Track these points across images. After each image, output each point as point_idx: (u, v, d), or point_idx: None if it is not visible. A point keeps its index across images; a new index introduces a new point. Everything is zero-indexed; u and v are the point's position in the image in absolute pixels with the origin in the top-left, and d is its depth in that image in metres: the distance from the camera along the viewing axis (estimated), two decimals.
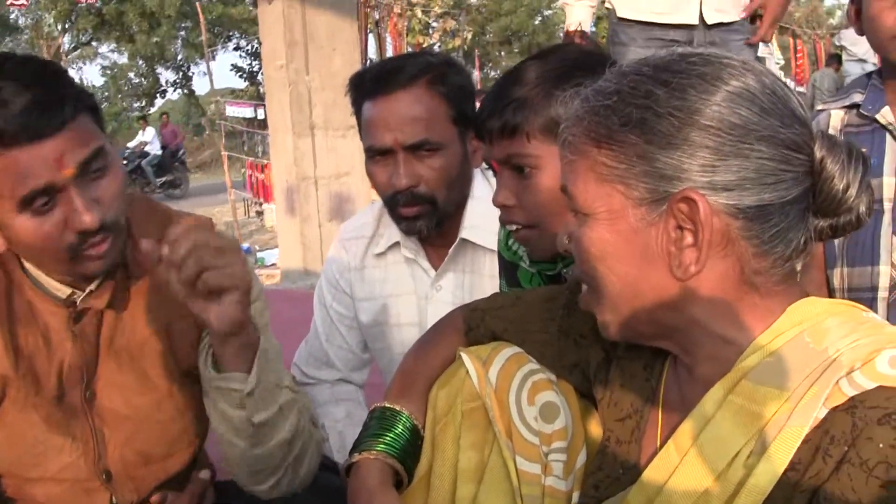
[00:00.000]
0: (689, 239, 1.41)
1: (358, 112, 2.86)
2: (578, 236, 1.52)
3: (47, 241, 1.96)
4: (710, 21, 4.88)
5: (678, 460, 1.48)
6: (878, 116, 2.54)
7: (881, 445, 1.26)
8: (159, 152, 27.19)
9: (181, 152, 28.31)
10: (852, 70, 15.22)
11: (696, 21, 4.88)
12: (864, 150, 2.37)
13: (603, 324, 1.58)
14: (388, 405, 1.97)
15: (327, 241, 10.38)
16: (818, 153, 1.44)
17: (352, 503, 1.88)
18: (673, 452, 1.50)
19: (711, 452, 1.42)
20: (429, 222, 2.81)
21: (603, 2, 5.11)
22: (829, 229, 1.49)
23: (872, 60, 14.27)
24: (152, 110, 51.38)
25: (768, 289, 1.46)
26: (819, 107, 2.76)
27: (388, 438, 1.91)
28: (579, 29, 5.05)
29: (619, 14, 4.93)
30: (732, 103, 1.39)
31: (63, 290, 2.14)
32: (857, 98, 2.61)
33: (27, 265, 2.14)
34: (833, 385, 1.33)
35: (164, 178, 26.56)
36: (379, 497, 1.84)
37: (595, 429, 1.86)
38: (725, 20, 4.91)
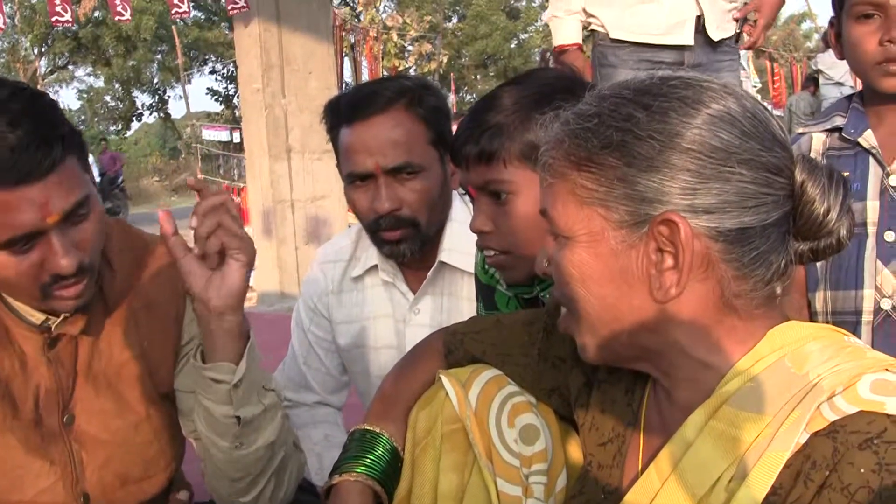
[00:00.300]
0: (669, 261, 1.40)
1: (335, 139, 2.84)
2: (558, 259, 1.51)
3: (21, 279, 1.96)
4: (716, 38, 4.96)
5: (659, 485, 1.47)
6: (860, 140, 2.53)
7: (862, 470, 1.25)
8: (97, 179, 27.08)
9: (120, 179, 27.90)
10: (830, 93, 15.25)
11: (691, 42, 4.94)
12: (846, 173, 2.38)
13: (582, 346, 1.57)
14: (367, 427, 1.97)
15: (304, 263, 10.37)
16: (799, 176, 1.44)
17: None
18: (654, 478, 1.49)
19: (692, 478, 1.42)
20: (412, 245, 2.79)
21: (587, 26, 5.12)
22: (809, 252, 1.50)
23: (850, 83, 14.32)
24: (128, 134, 51.38)
25: (748, 312, 1.45)
26: (800, 130, 2.74)
27: (368, 460, 1.91)
28: (572, 44, 5.06)
29: (612, 35, 4.94)
30: (713, 126, 1.39)
31: (37, 316, 2.13)
32: (839, 121, 2.61)
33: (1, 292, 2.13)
34: (814, 409, 1.33)
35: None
36: None
37: (575, 451, 1.86)
38: (727, 35, 4.99)
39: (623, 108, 1.43)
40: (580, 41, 5.12)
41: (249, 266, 1.97)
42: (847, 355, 1.39)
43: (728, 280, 1.42)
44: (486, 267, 2.40)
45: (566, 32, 5.07)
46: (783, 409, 1.35)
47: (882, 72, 2.47)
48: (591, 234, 1.45)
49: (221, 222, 1.93)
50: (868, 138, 2.52)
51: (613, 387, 1.72)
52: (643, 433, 1.62)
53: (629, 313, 1.46)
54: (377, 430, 1.95)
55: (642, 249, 1.42)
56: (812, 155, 2.56)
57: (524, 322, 1.98)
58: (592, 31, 5.14)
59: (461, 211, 2.93)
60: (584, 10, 5.08)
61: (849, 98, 2.68)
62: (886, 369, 1.36)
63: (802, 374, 1.38)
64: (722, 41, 5.02)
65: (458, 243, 2.88)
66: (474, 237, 2.21)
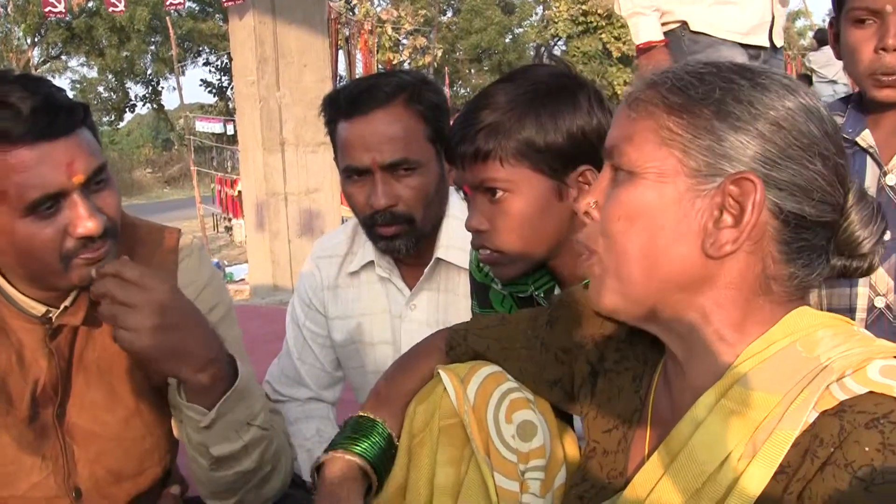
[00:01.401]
0: (728, 220, 1.42)
1: (332, 132, 2.84)
2: (614, 194, 1.51)
3: (45, 246, 1.97)
4: (778, 45, 5.05)
5: (669, 462, 1.48)
6: (858, 139, 2.54)
7: (867, 449, 1.27)
8: None
9: None
10: (823, 91, 15.26)
11: (767, 44, 5.01)
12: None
13: (599, 292, 1.56)
14: (363, 414, 1.98)
15: (297, 256, 10.37)
16: (851, 198, 1.51)
17: (317, 498, 1.90)
18: (664, 456, 1.50)
19: (702, 455, 1.43)
20: (407, 241, 2.79)
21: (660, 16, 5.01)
22: (841, 268, 1.54)
23: (843, 81, 14.35)
24: (121, 125, 51.30)
25: (779, 297, 1.48)
26: None
27: (363, 443, 1.92)
28: (659, 41, 4.92)
29: (694, 28, 4.90)
30: (806, 114, 1.44)
31: (38, 308, 2.13)
32: (838, 120, 2.62)
33: (0, 281, 2.12)
34: (824, 389, 1.35)
35: None
36: (341, 491, 1.87)
37: (572, 449, 1.87)
38: (782, 43, 5.10)
39: (727, 74, 1.47)
40: (664, 38, 5.00)
41: (132, 329, 1.91)
42: (857, 342, 1.42)
43: (772, 260, 1.45)
44: (481, 265, 2.39)
45: (651, 29, 4.94)
46: (793, 389, 1.37)
47: (874, 81, 2.49)
48: (662, 174, 1.46)
49: (105, 292, 1.92)
50: (866, 138, 2.53)
51: (620, 375, 1.74)
52: (650, 419, 1.64)
53: (668, 263, 1.47)
54: (373, 417, 1.96)
55: (707, 202, 1.44)
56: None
57: (529, 318, 1.99)
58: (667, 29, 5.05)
59: (458, 207, 2.92)
60: (659, 9, 5.02)
61: (846, 98, 2.69)
62: (895, 356, 1.39)
63: (813, 357, 1.40)
64: (778, 49, 5.07)
65: (456, 240, 2.88)
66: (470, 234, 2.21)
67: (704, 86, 1.46)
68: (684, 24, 4.92)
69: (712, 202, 1.43)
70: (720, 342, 1.49)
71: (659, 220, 1.46)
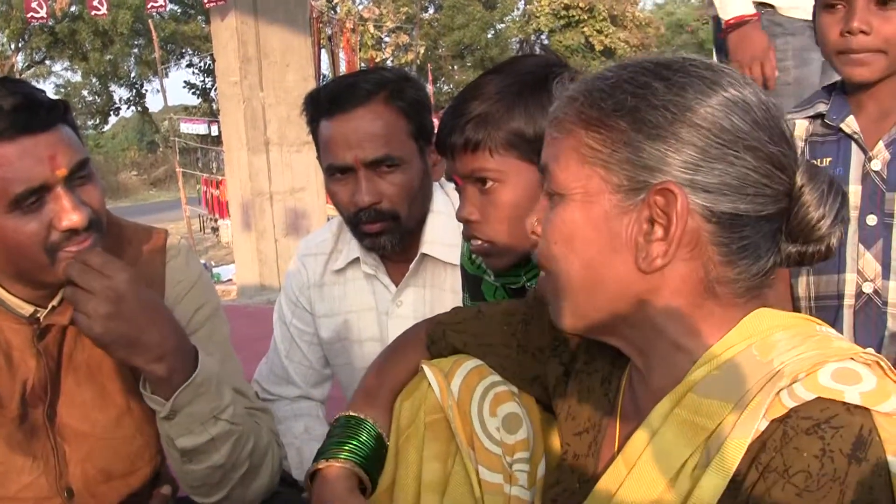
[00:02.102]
0: (659, 233, 1.41)
1: (315, 131, 2.85)
2: (549, 216, 1.51)
3: (29, 241, 1.98)
4: None
5: (626, 473, 1.48)
6: (842, 126, 2.56)
7: (805, 455, 1.27)
8: None
9: None
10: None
11: None
12: (829, 159, 2.42)
13: (557, 312, 1.56)
14: (352, 413, 1.97)
15: (283, 256, 10.38)
16: (800, 179, 1.46)
17: None
18: (622, 466, 1.50)
19: (657, 465, 1.43)
20: (392, 238, 2.80)
21: None
22: (797, 255, 1.50)
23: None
24: (106, 128, 51.15)
25: (729, 300, 1.46)
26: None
27: (353, 445, 1.92)
28: (751, 15, 4.27)
29: (781, 12, 4.67)
30: (727, 109, 1.41)
31: (26, 308, 2.14)
32: (822, 108, 2.64)
33: None
34: (773, 396, 1.34)
35: None
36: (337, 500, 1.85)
37: (555, 441, 1.86)
38: None
39: (642, 77, 1.44)
40: (755, 12, 4.37)
41: (91, 316, 1.96)
42: (813, 344, 1.40)
43: (713, 264, 1.43)
44: (473, 257, 2.40)
45: (735, 5, 4.29)
46: (745, 397, 1.36)
47: (842, 62, 2.53)
48: (587, 194, 1.45)
49: (71, 275, 1.97)
50: (850, 124, 2.55)
51: (590, 376, 1.73)
52: (619, 422, 1.63)
53: (611, 280, 1.46)
54: (361, 416, 1.96)
55: (635, 216, 1.42)
56: (795, 141, 2.58)
57: (504, 312, 1.98)
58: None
59: (443, 203, 2.93)
60: None
61: (831, 86, 2.70)
62: (851, 358, 1.37)
63: (766, 362, 1.39)
64: None
65: (440, 235, 2.89)
66: (457, 229, 2.21)
67: (617, 95, 1.44)
68: (766, 5, 4.54)
69: (640, 216, 1.42)
70: (677, 351, 1.48)
71: (592, 241, 1.46)
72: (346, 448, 1.91)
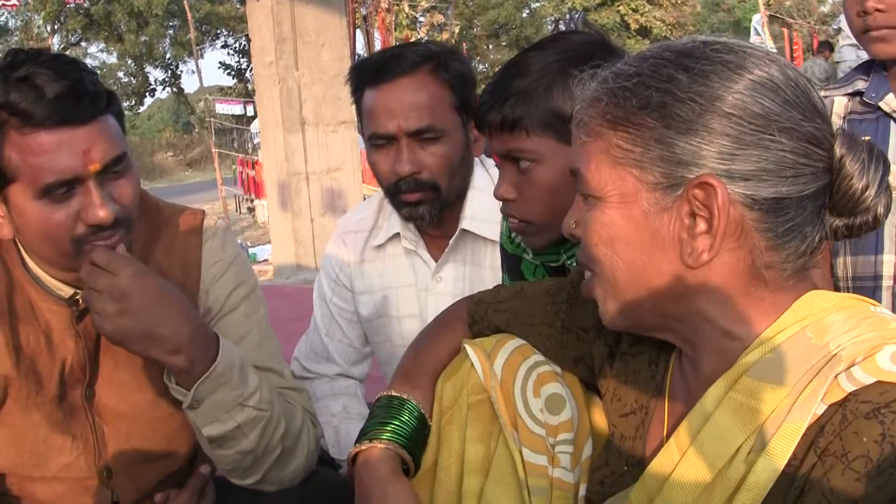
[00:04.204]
0: (702, 226, 1.38)
1: (358, 101, 2.85)
2: (587, 220, 1.49)
3: (56, 230, 1.98)
4: None
5: (679, 456, 1.46)
6: (881, 104, 2.52)
7: (865, 440, 1.24)
8: None
9: None
10: (847, 55, 15.07)
11: None
12: (867, 137, 2.38)
13: (604, 312, 1.54)
14: (394, 393, 1.94)
15: (320, 236, 10.39)
16: (838, 150, 1.42)
17: (361, 494, 1.85)
18: (674, 449, 1.47)
19: (711, 449, 1.40)
20: (431, 208, 2.80)
21: None
22: (844, 229, 1.47)
23: None
24: (142, 109, 51.48)
25: (778, 284, 1.43)
26: (822, 93, 2.74)
27: (395, 426, 1.88)
28: None
29: None
30: (755, 92, 1.37)
31: (65, 290, 2.14)
32: (861, 85, 2.60)
33: (29, 263, 2.14)
34: (832, 380, 1.31)
35: None
36: (392, 487, 1.81)
37: (600, 419, 1.84)
38: None
39: (664, 70, 1.41)
40: None
41: (100, 314, 1.97)
42: (869, 325, 1.37)
43: (760, 250, 1.40)
44: (513, 236, 2.38)
45: None
46: (801, 380, 1.34)
47: (866, 40, 2.50)
48: (624, 195, 1.42)
49: (83, 276, 1.98)
50: (889, 102, 2.51)
51: (636, 358, 1.71)
52: (668, 404, 1.61)
53: (656, 278, 1.44)
54: (403, 396, 1.93)
55: (675, 213, 1.40)
56: (833, 119, 2.54)
57: (547, 292, 1.96)
58: None
59: (483, 178, 2.93)
60: None
61: (871, 62, 2.66)
62: None
63: (823, 345, 1.36)
64: None
65: (480, 211, 2.88)
66: (496, 205, 2.19)
67: (641, 92, 1.41)
68: None
69: (681, 212, 1.40)
70: (728, 339, 1.46)
71: (634, 241, 1.43)
72: (389, 428, 1.88)
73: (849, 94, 2.63)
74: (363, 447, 1.88)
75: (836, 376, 1.31)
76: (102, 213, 1.97)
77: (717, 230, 1.37)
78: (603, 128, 1.44)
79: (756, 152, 1.36)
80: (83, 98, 1.95)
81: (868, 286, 2.53)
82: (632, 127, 1.41)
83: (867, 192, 1.43)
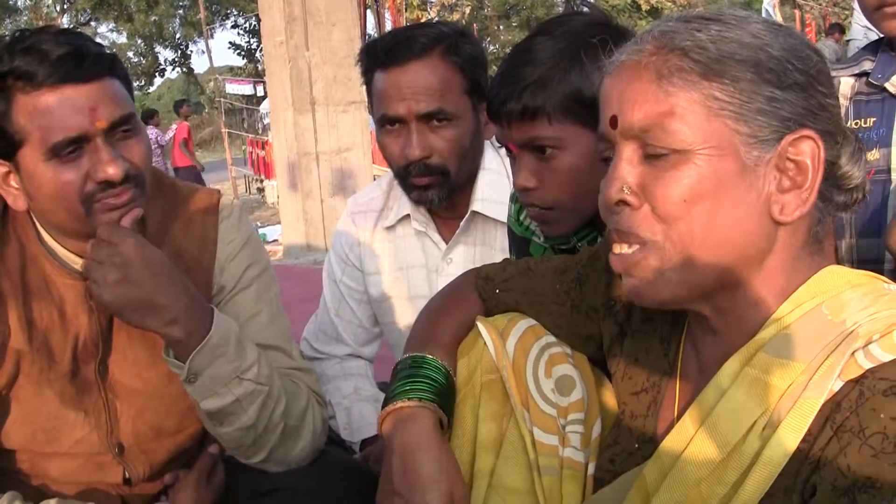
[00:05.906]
0: (787, 183, 1.38)
1: (369, 83, 2.84)
2: (669, 178, 1.41)
3: (67, 190, 1.99)
4: None
5: (693, 432, 1.45)
6: (887, 85, 2.49)
7: (882, 416, 1.24)
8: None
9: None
10: (856, 34, 14.97)
11: None
12: (873, 119, 2.37)
13: (653, 284, 1.46)
14: (414, 353, 1.90)
15: (329, 216, 10.40)
16: None
17: (401, 456, 1.77)
18: (689, 425, 1.47)
19: (726, 425, 1.40)
20: (440, 192, 2.79)
21: None
22: (842, 205, 1.49)
23: None
24: (151, 89, 51.42)
25: (813, 255, 1.45)
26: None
27: (424, 384, 1.84)
28: None
29: None
30: (806, 47, 1.42)
31: (79, 262, 2.15)
32: (867, 66, 2.58)
33: (44, 235, 2.16)
34: (849, 357, 1.31)
35: None
36: (431, 450, 1.76)
37: (609, 399, 1.84)
38: None
39: (742, 26, 1.42)
40: None
41: (98, 283, 2.01)
42: (885, 303, 1.37)
43: (818, 214, 1.43)
44: (521, 219, 2.37)
45: None
46: (818, 356, 1.34)
47: (879, 18, 2.46)
48: (718, 148, 1.38)
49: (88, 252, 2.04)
50: (895, 83, 2.49)
51: (648, 336, 1.70)
52: (679, 382, 1.61)
53: (739, 236, 1.41)
54: (426, 355, 1.88)
55: (769, 168, 1.39)
56: (840, 99, 2.53)
57: (555, 270, 1.94)
58: None
59: (493, 161, 2.92)
60: None
61: (878, 42, 2.64)
62: None
63: (839, 321, 1.36)
64: None
65: (491, 193, 2.88)
66: (507, 187, 2.19)
67: (735, 46, 1.39)
68: None
69: (773, 167, 1.38)
70: (754, 308, 1.45)
71: (723, 197, 1.38)
72: (418, 387, 1.83)
73: (855, 75, 2.62)
74: (396, 406, 1.83)
75: (853, 353, 1.32)
76: (112, 170, 1.98)
77: (812, 184, 1.38)
78: (695, 77, 1.39)
79: (827, 114, 1.40)
80: (85, 58, 1.98)
81: (871, 269, 2.52)
82: (727, 78, 1.38)
83: (855, 173, 1.47)
